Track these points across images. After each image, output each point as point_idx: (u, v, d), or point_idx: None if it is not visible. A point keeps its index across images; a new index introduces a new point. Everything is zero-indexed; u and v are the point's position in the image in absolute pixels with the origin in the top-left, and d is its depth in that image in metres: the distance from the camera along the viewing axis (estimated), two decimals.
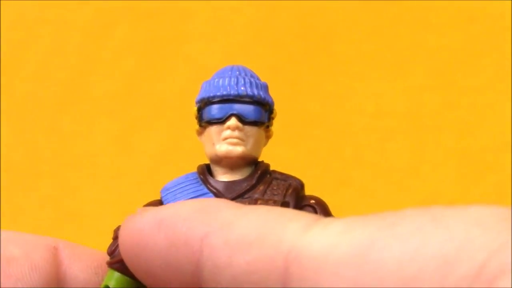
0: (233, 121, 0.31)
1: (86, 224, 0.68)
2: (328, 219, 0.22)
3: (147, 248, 0.24)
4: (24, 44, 0.73)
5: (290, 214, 0.23)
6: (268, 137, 0.33)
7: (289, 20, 0.71)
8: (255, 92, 0.32)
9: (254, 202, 0.31)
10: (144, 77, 0.72)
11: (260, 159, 0.33)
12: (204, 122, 0.32)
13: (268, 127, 0.32)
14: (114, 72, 0.72)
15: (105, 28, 0.73)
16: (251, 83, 0.32)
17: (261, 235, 0.22)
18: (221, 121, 0.31)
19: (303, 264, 0.20)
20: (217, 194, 0.31)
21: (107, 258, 0.31)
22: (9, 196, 0.70)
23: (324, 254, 0.20)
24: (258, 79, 0.32)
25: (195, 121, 0.32)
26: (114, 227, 0.32)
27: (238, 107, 0.31)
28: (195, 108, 0.32)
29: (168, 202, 0.31)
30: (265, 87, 0.33)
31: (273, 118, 0.33)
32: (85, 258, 0.32)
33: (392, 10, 0.70)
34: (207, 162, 0.32)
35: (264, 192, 0.31)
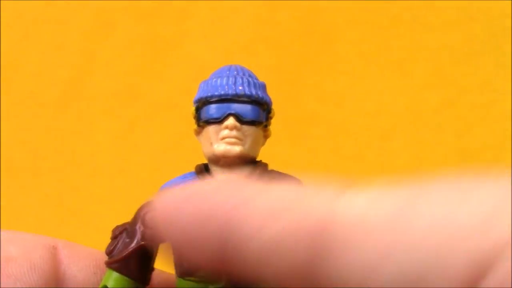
0: (231, 121, 0.31)
1: (87, 222, 0.68)
2: (358, 188, 0.22)
3: (178, 221, 0.23)
4: (24, 44, 0.73)
5: (319, 184, 0.22)
6: (266, 136, 0.33)
7: (289, 19, 0.71)
8: (253, 91, 0.32)
9: None
10: (144, 76, 0.72)
11: (260, 158, 0.33)
12: (202, 121, 0.32)
13: (266, 126, 0.32)
14: (115, 71, 0.72)
15: (105, 28, 0.73)
16: (249, 82, 0.32)
17: (292, 203, 0.21)
18: (219, 120, 0.31)
19: (337, 230, 0.20)
20: None
21: (106, 258, 0.32)
22: (9, 195, 0.70)
23: (359, 220, 0.20)
24: (256, 78, 0.32)
25: (193, 121, 0.32)
26: (113, 227, 0.32)
27: (236, 107, 0.31)
28: (193, 108, 0.32)
29: None
30: (263, 87, 0.32)
31: (271, 118, 0.33)
32: (84, 258, 0.32)
33: (392, 10, 0.70)
34: (206, 161, 0.32)
35: None
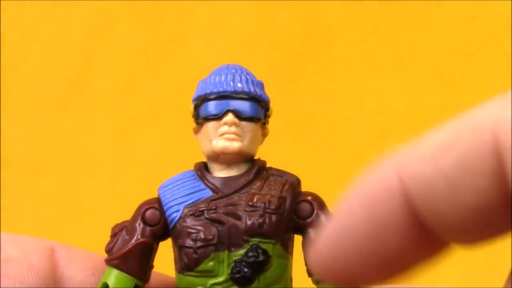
0: (230, 117, 0.31)
1: (86, 221, 0.68)
2: None
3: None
4: (24, 43, 0.73)
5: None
6: (264, 135, 0.33)
7: (288, 19, 0.71)
8: (252, 88, 0.32)
9: (251, 197, 0.31)
10: (144, 75, 0.72)
11: (260, 156, 0.33)
12: (201, 119, 0.32)
13: (264, 124, 0.33)
14: (114, 70, 0.72)
15: (105, 27, 0.73)
16: (247, 80, 0.32)
17: (461, 123, 0.20)
18: (218, 117, 0.31)
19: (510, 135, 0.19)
20: (214, 190, 0.31)
21: (105, 257, 0.32)
22: (9, 193, 0.70)
23: None
24: (253, 77, 0.33)
25: (192, 120, 0.33)
26: (112, 225, 0.32)
27: (234, 103, 0.31)
28: (192, 106, 0.32)
29: (165, 199, 0.31)
30: (261, 85, 0.33)
31: (269, 116, 0.33)
32: (82, 259, 0.32)
33: (392, 10, 0.70)
34: (204, 160, 0.33)
35: (261, 187, 0.31)
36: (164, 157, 0.69)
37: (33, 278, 0.30)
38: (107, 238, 0.32)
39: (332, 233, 0.21)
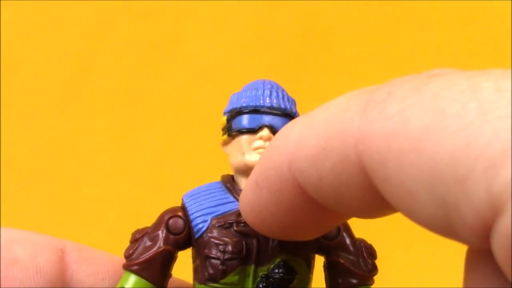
0: (265, 132, 0.31)
1: (86, 221, 0.68)
2: (378, 97, 0.22)
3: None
4: (24, 44, 0.73)
5: (341, 101, 0.24)
6: None
7: (288, 19, 0.71)
8: (288, 105, 0.32)
9: None
10: (144, 75, 0.72)
11: None
12: (234, 131, 0.31)
13: None
14: (114, 71, 0.72)
15: (105, 28, 0.73)
16: (283, 96, 0.32)
17: (328, 138, 0.23)
18: (253, 131, 0.31)
19: (371, 155, 0.21)
20: None
21: (115, 262, 0.31)
22: (9, 194, 0.70)
23: (387, 144, 0.21)
24: (287, 93, 0.33)
25: (221, 132, 0.32)
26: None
27: (269, 119, 0.31)
28: (224, 118, 0.32)
29: (191, 208, 0.31)
30: (294, 102, 0.33)
31: None
32: (93, 262, 0.32)
33: (391, 10, 0.70)
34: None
35: None
36: (164, 158, 0.69)
37: (40, 282, 0.30)
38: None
39: (251, 201, 0.27)
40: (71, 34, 0.73)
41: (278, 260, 0.30)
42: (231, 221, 0.30)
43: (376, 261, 0.31)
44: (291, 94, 0.33)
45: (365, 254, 0.31)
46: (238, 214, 0.30)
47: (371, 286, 0.31)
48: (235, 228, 0.30)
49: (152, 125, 0.71)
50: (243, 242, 0.30)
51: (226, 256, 0.30)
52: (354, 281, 0.31)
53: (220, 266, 0.30)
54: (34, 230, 0.33)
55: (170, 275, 0.31)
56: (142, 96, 0.71)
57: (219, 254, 0.30)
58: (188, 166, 0.67)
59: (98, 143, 0.71)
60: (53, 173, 0.71)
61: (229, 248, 0.30)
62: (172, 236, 0.31)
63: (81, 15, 0.73)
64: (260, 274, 0.30)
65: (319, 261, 0.32)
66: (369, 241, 0.31)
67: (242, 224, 0.30)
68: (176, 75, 0.71)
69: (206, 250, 0.30)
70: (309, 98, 0.71)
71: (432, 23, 0.70)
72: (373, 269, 0.31)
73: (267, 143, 0.31)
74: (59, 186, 0.70)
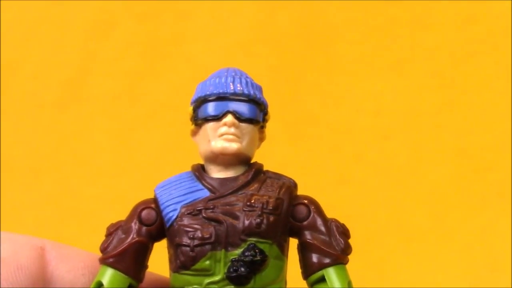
0: (229, 118, 0.31)
1: (85, 222, 0.68)
2: None
3: None
4: (24, 44, 0.73)
5: None
6: (261, 139, 0.33)
7: (289, 20, 0.71)
8: (251, 91, 0.32)
9: (249, 197, 0.31)
10: (144, 76, 0.72)
11: (260, 157, 0.33)
12: (200, 119, 0.32)
13: (262, 128, 0.33)
14: (114, 71, 0.72)
15: (105, 28, 0.73)
16: (247, 82, 0.32)
17: None
18: (218, 118, 0.31)
19: None
20: (212, 190, 0.31)
21: (95, 258, 0.32)
22: (9, 195, 0.70)
23: None
24: (252, 80, 0.33)
25: (190, 122, 0.33)
26: (108, 225, 0.32)
27: (234, 105, 0.32)
28: (191, 108, 0.33)
29: (162, 199, 0.31)
30: (260, 89, 0.33)
31: (267, 120, 0.33)
32: (73, 258, 0.32)
33: (391, 10, 0.70)
34: (202, 162, 0.33)
35: (259, 189, 0.31)
36: (164, 158, 0.69)
37: (21, 278, 0.30)
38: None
39: None
40: (72, 35, 0.73)
41: (248, 243, 0.30)
42: (199, 208, 0.31)
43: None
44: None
45: (336, 234, 0.31)
46: (207, 200, 0.31)
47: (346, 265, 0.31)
48: (203, 215, 0.31)
49: (152, 125, 0.71)
50: (212, 227, 0.30)
51: (196, 242, 0.30)
52: (327, 260, 0.31)
53: (191, 253, 0.30)
54: (34, 230, 0.33)
55: (147, 267, 0.32)
56: (142, 96, 0.71)
57: (189, 241, 0.30)
58: (188, 166, 0.67)
59: (98, 143, 0.71)
60: (53, 173, 0.71)
61: (198, 234, 0.30)
62: (145, 228, 0.31)
63: (82, 15, 0.73)
64: (231, 258, 0.30)
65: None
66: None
67: (210, 210, 0.30)
68: (176, 75, 0.71)
69: (177, 238, 0.30)
70: (309, 98, 0.72)
71: (432, 23, 0.69)
72: (346, 248, 0.31)
73: (232, 129, 0.31)
74: (59, 186, 0.71)
